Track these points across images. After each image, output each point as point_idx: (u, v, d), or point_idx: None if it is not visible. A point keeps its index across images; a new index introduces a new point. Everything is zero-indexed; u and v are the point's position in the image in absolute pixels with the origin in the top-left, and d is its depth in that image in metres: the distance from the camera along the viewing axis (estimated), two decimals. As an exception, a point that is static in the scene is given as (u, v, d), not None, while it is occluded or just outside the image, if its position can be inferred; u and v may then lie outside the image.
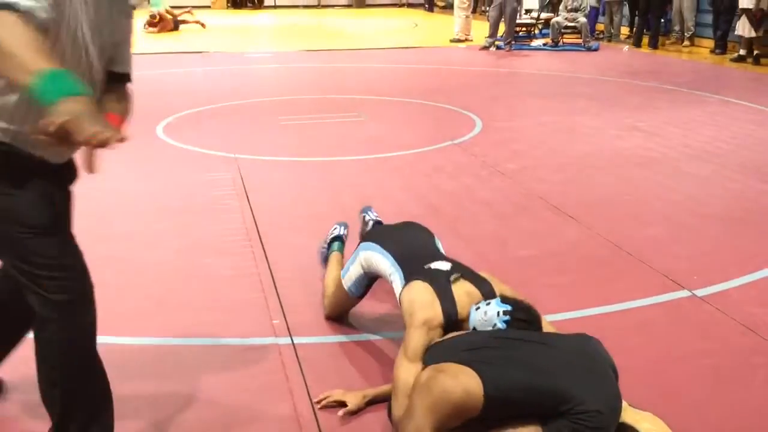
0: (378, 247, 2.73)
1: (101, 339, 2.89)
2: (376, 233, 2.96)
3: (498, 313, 2.24)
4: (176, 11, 14.95)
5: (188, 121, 6.82)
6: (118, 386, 2.57)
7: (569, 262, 3.67)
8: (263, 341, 2.89)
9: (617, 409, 2.03)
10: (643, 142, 6.05)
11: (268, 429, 2.36)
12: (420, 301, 2.35)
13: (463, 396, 1.92)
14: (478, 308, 2.31)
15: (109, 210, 4.40)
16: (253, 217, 4.25)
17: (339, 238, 3.33)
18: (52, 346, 1.93)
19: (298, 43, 12.66)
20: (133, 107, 2.08)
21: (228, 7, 20.84)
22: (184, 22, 14.94)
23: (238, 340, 2.90)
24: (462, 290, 2.39)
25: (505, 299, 2.30)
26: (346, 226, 3.44)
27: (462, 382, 1.93)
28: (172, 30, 14.37)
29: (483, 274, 2.51)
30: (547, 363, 2.04)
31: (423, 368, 2.08)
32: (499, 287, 2.46)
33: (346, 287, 2.88)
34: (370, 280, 2.85)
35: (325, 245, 3.36)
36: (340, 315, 3.01)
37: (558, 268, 3.59)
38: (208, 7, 19.80)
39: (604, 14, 13.57)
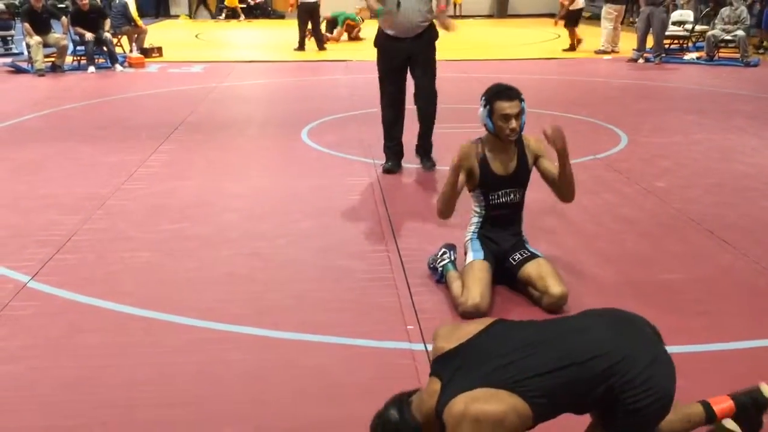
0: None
1: (246, 330, 3.05)
2: None
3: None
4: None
5: (331, 126, 7.04)
6: (250, 378, 2.69)
7: (721, 289, 3.43)
8: (397, 345, 2.91)
9: (663, 363, 1.92)
10: (809, 165, 5.56)
11: (400, 433, 2.37)
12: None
13: (514, 417, 1.83)
14: None
15: (258, 208, 4.62)
16: (390, 222, 4.31)
17: (451, 262, 3.46)
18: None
19: (439, 53, 12.69)
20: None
21: (371, 18, 21.33)
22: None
23: (372, 342, 2.94)
24: None
25: None
26: (453, 250, 3.54)
27: (507, 403, 1.83)
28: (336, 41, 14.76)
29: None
30: (577, 349, 1.91)
31: (443, 392, 1.92)
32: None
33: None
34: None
35: (434, 264, 3.53)
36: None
37: (708, 295, 3.37)
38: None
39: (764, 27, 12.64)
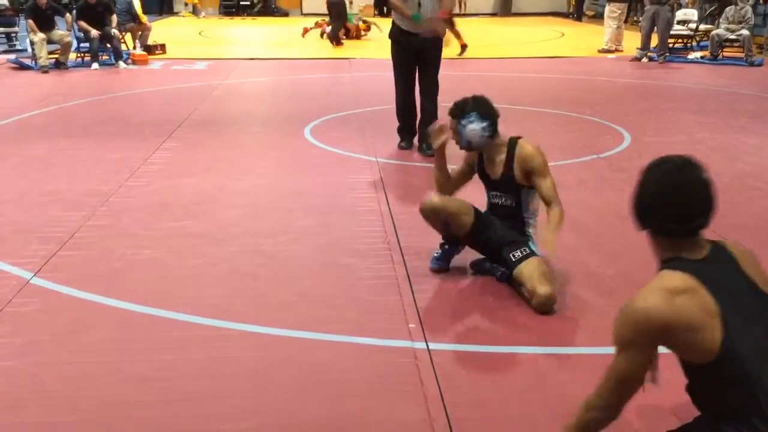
0: None
1: (248, 327, 3.05)
2: None
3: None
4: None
5: (334, 123, 7.04)
6: (252, 375, 2.69)
7: (724, 289, 3.42)
8: (398, 344, 2.91)
9: None
10: (813, 164, 5.55)
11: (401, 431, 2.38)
12: None
13: (694, 336, 1.68)
14: None
15: (260, 205, 4.62)
16: (392, 220, 4.31)
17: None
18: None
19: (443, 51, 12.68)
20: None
21: (375, 15, 21.33)
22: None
23: (373, 340, 2.94)
24: None
25: None
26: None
27: (698, 319, 1.68)
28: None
29: None
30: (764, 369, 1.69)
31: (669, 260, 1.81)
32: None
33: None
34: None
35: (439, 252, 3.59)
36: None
37: (711, 295, 3.36)
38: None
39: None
